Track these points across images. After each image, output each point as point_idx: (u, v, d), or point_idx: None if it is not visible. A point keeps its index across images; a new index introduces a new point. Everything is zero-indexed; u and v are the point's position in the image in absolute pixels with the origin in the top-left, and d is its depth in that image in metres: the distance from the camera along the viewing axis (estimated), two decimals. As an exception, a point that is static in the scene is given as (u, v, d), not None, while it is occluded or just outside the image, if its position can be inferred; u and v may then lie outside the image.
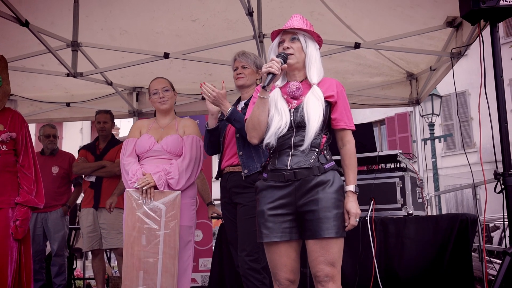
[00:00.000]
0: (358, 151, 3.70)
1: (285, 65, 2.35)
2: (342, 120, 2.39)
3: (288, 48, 2.39)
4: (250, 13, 3.70)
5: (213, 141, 3.25)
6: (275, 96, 2.38)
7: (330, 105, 2.40)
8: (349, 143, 2.41)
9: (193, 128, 3.48)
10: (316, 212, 2.25)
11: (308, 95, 2.37)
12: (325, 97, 2.37)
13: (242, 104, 3.23)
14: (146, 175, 3.21)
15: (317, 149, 2.34)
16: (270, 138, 2.34)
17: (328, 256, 2.24)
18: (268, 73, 2.29)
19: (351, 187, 2.35)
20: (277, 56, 2.35)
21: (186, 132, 3.44)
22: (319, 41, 2.48)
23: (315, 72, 2.41)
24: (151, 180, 3.18)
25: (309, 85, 2.41)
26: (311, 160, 2.32)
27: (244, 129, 2.66)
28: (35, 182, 3.29)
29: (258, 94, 2.35)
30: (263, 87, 2.30)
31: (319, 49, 2.48)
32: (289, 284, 2.36)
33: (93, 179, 4.91)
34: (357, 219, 2.31)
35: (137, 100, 5.90)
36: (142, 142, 3.39)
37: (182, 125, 3.49)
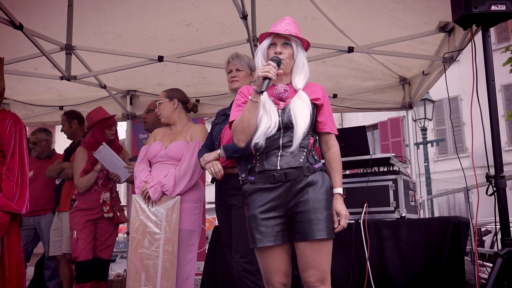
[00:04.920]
0: (351, 154, 3.72)
1: (280, 70, 2.34)
2: (327, 124, 2.42)
3: (281, 53, 2.37)
4: (244, 17, 3.71)
5: None
6: (263, 97, 2.35)
7: (316, 108, 2.41)
8: (334, 146, 2.42)
9: (199, 134, 3.55)
10: (306, 213, 2.24)
11: (294, 98, 2.37)
12: (311, 100, 2.38)
13: (236, 107, 3.23)
14: (143, 185, 3.42)
15: (305, 150, 2.35)
16: (259, 138, 2.30)
17: (319, 259, 2.24)
18: (265, 78, 2.24)
19: (339, 190, 2.36)
20: (272, 60, 2.31)
21: (193, 138, 3.52)
22: (307, 47, 2.48)
23: (301, 79, 2.42)
24: (146, 190, 3.39)
25: (295, 89, 2.41)
26: (301, 160, 2.32)
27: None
28: (17, 186, 3.13)
29: (250, 97, 2.30)
30: (261, 92, 2.25)
31: (306, 51, 2.49)
32: (283, 287, 2.34)
33: (58, 182, 4.84)
34: (347, 221, 2.33)
35: (130, 104, 5.91)
36: (151, 148, 3.58)
37: (191, 131, 3.58)
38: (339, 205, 2.33)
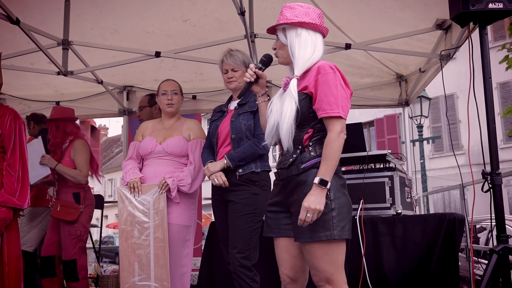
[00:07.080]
0: (347, 151, 3.71)
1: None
2: (321, 108, 2.14)
3: (274, 49, 2.38)
4: (242, 13, 3.71)
5: None
6: (276, 95, 2.35)
7: (308, 97, 2.21)
8: (330, 131, 2.13)
9: (199, 132, 3.55)
10: (297, 215, 2.13)
11: (286, 91, 2.27)
12: (300, 90, 2.21)
13: (235, 104, 3.23)
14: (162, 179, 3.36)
15: (300, 146, 2.21)
16: (268, 139, 2.31)
17: (314, 260, 2.15)
18: (246, 82, 2.37)
19: (316, 179, 2.07)
20: (259, 61, 2.39)
21: (193, 135, 3.50)
22: (306, 23, 2.26)
23: (297, 61, 2.26)
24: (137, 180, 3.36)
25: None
26: (291, 159, 2.22)
27: (249, 153, 3.04)
28: (19, 182, 3.14)
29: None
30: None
31: (319, 25, 2.29)
32: (290, 281, 2.30)
33: None
34: (310, 215, 2.03)
35: (127, 99, 5.89)
36: (145, 145, 3.51)
37: (187, 128, 3.55)
38: (307, 196, 2.06)
